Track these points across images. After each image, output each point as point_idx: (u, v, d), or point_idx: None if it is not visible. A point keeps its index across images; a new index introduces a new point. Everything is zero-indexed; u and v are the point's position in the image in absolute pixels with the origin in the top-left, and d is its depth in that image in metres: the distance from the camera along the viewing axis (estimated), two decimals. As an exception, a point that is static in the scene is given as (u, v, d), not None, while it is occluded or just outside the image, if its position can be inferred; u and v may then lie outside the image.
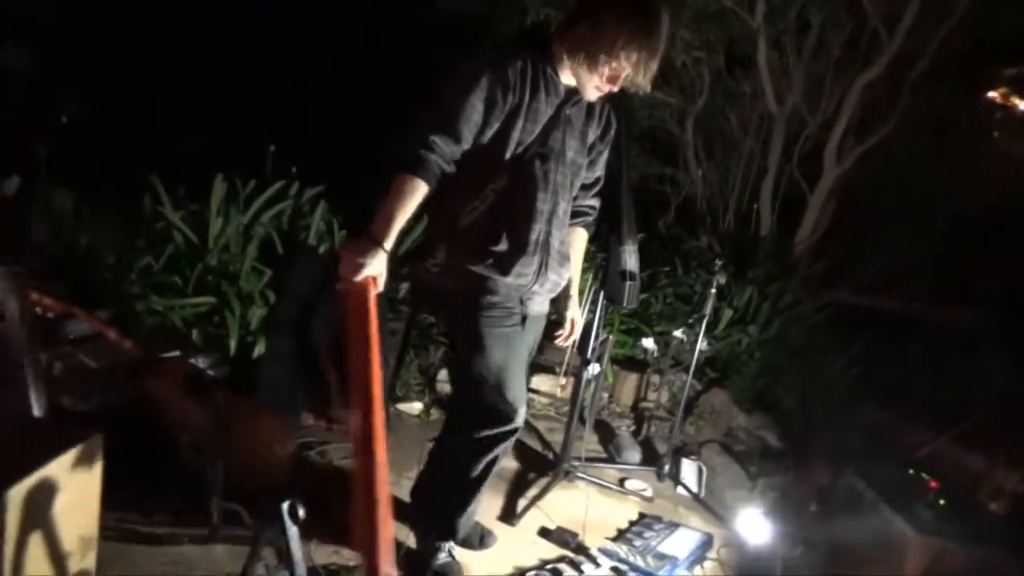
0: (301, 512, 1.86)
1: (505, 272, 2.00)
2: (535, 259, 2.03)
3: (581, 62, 1.89)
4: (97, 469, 1.90)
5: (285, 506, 1.85)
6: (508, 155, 1.97)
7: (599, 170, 2.21)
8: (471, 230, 1.99)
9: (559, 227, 2.08)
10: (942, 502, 2.50)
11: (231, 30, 5.85)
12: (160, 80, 5.31)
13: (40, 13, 4.94)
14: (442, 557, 2.23)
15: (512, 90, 1.90)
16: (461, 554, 2.32)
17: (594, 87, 1.94)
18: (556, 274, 2.13)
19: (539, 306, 2.20)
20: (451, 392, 2.43)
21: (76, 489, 1.83)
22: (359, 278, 1.72)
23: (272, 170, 4.05)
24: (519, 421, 2.06)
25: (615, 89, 1.95)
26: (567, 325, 2.36)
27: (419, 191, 1.82)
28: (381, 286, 1.66)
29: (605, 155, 2.18)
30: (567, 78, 1.98)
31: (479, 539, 2.45)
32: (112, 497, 2.12)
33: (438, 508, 2.24)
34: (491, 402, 2.03)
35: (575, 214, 2.22)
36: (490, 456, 2.11)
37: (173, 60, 5.43)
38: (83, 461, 1.86)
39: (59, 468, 1.77)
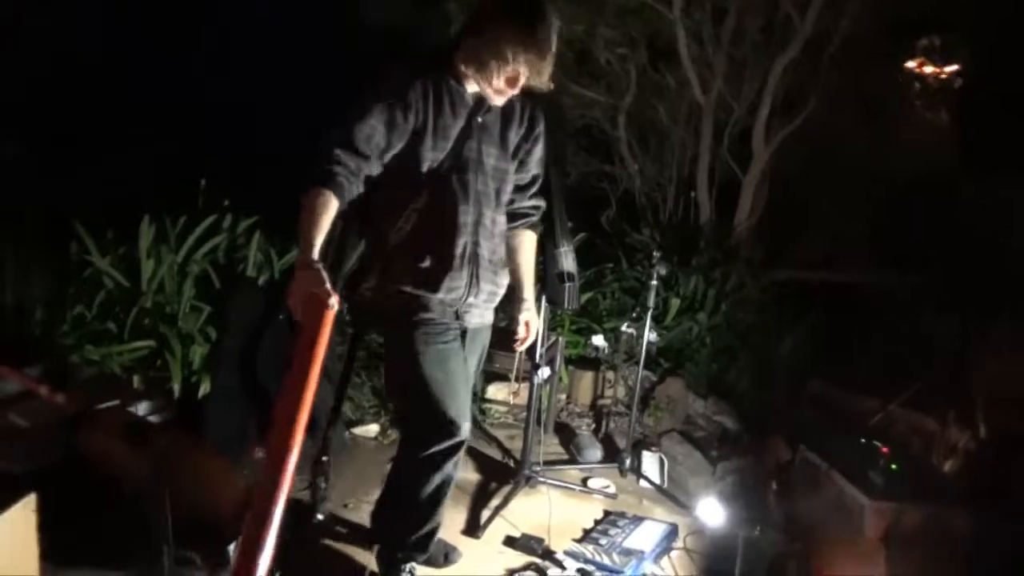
0: (250, 552, 1.82)
1: (435, 289, 2.00)
2: (464, 272, 2.03)
3: (477, 70, 1.91)
4: (31, 532, 1.82)
5: (232, 548, 1.81)
6: (424, 173, 1.97)
7: (533, 169, 2.19)
8: (398, 250, 2.00)
9: (487, 237, 2.08)
10: (893, 466, 2.55)
11: (150, 63, 5.73)
12: (78, 121, 5.16)
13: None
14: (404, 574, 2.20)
15: (414, 111, 1.92)
16: (426, 573, 2.29)
17: (495, 91, 1.95)
18: (491, 284, 2.13)
19: (478, 318, 2.19)
20: (394, 412, 2.40)
21: (11, 553, 1.76)
22: (294, 300, 1.68)
23: (205, 203, 3.97)
24: (462, 435, 2.05)
25: (515, 91, 1.96)
26: (520, 329, 2.32)
27: (330, 203, 1.81)
28: (334, 303, 1.61)
29: (537, 153, 2.17)
30: (472, 87, 1.99)
31: (443, 556, 2.42)
32: (56, 556, 2.05)
33: (398, 528, 2.21)
34: (431, 418, 2.01)
35: (517, 216, 2.22)
36: (442, 472, 2.09)
37: (90, 98, 5.29)
38: (15, 525, 1.79)
39: (-10, 535, 1.69)
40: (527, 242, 2.27)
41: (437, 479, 2.08)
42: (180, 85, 5.81)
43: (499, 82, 1.90)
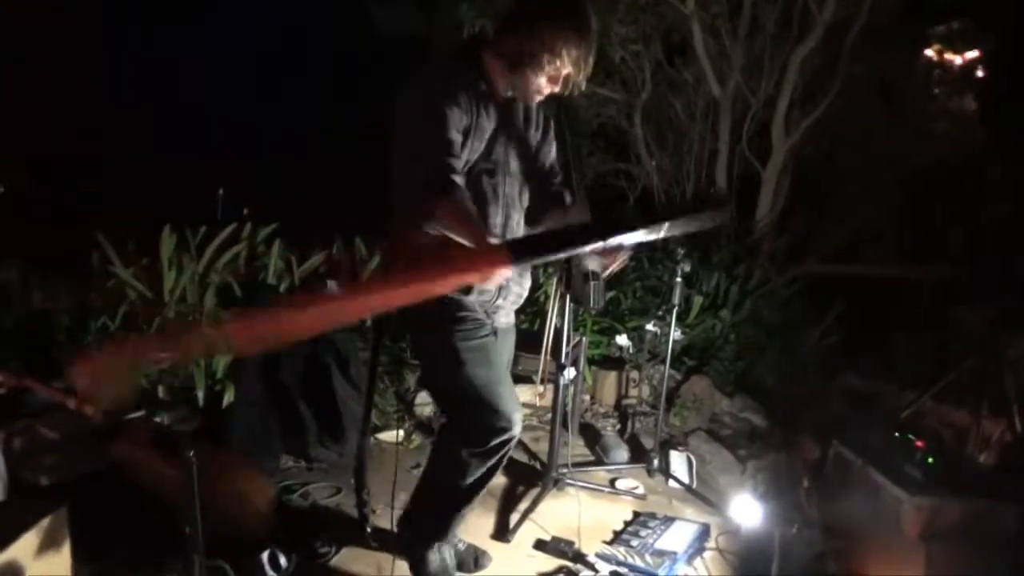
0: (283, 560, 1.81)
1: (467, 292, 2.00)
2: None
3: (524, 67, 1.87)
4: (64, 544, 1.83)
5: (265, 556, 1.80)
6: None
7: (551, 155, 2.16)
8: (427, 252, 1.96)
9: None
10: (930, 460, 2.49)
11: (166, 77, 5.77)
12: (98, 134, 5.20)
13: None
14: (435, 559, 2.17)
15: (462, 111, 1.89)
16: (457, 580, 2.27)
17: (535, 90, 1.93)
18: (518, 286, 2.14)
19: (506, 318, 2.20)
20: (441, 416, 2.37)
21: (43, 568, 1.75)
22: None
23: (223, 213, 3.99)
24: (517, 429, 2.02)
25: (557, 90, 1.94)
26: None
27: (462, 198, 1.81)
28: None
29: (552, 145, 2.16)
30: (502, 88, 1.96)
31: (474, 561, 2.39)
32: (89, 567, 2.05)
33: (433, 517, 2.18)
34: (485, 418, 1.98)
35: (553, 196, 2.14)
36: (490, 464, 2.07)
37: (110, 111, 5.34)
38: (49, 538, 1.79)
39: (23, 549, 1.70)
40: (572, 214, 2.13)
41: (484, 468, 2.06)
42: (196, 96, 5.86)
43: (541, 80, 1.88)
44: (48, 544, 1.79)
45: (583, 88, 1.94)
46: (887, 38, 5.85)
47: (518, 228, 2.09)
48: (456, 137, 1.86)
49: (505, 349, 2.23)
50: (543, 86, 1.91)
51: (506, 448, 2.06)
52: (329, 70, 6.34)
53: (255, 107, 5.93)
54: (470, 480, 2.07)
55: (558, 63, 1.84)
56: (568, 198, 2.17)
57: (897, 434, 2.72)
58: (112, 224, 3.63)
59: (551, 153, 2.16)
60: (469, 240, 1.72)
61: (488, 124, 1.95)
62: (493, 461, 2.06)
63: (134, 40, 5.86)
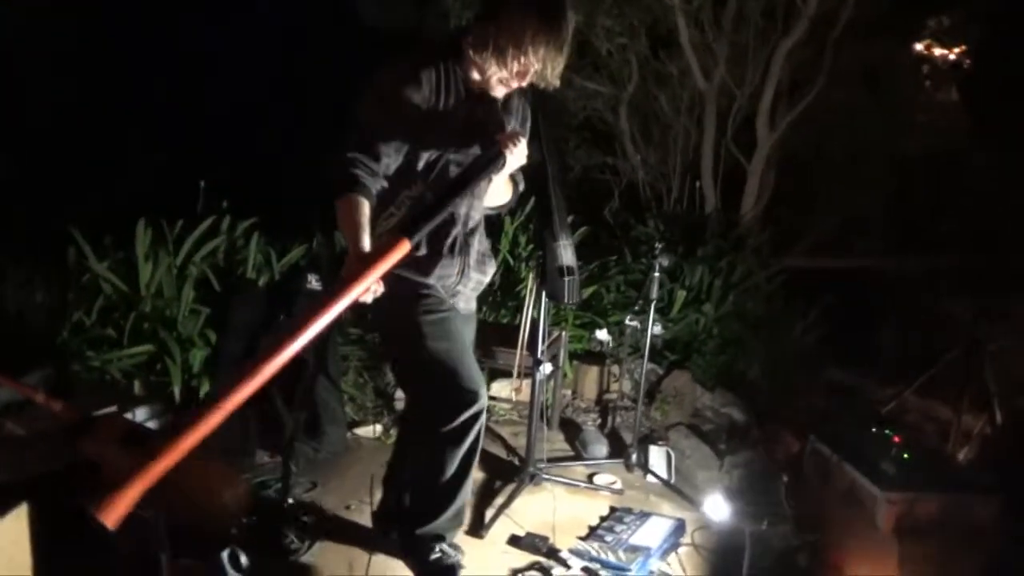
0: (243, 559, 1.79)
1: (426, 274, 2.01)
2: (455, 262, 2.05)
3: (489, 57, 1.86)
4: (24, 542, 1.79)
5: (225, 554, 1.78)
6: (422, 162, 1.95)
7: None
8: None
9: (478, 228, 2.08)
10: (905, 455, 2.49)
11: (147, 67, 5.71)
12: (76, 128, 5.14)
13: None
14: (437, 553, 2.15)
15: (425, 99, 1.89)
16: None
17: (499, 81, 1.91)
18: (479, 273, 2.16)
19: (465, 304, 2.20)
20: (406, 397, 2.36)
21: (3, 566, 1.73)
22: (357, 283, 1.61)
23: (204, 206, 3.94)
24: (483, 401, 2.02)
25: (523, 84, 1.93)
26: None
27: (360, 204, 1.80)
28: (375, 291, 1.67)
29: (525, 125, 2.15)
30: (476, 75, 1.94)
31: (446, 557, 2.37)
32: (52, 564, 2.02)
33: (427, 510, 2.16)
34: (449, 389, 1.97)
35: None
36: (466, 444, 2.04)
37: (86, 103, 5.28)
38: (7, 536, 1.76)
39: (-21, 548, 1.67)
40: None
41: (461, 452, 2.04)
42: (177, 89, 5.80)
43: (507, 72, 1.86)
44: (7, 542, 1.76)
45: (556, 84, 1.92)
46: (874, 31, 5.84)
47: (482, 217, 2.10)
48: (384, 131, 1.85)
49: (467, 332, 2.21)
50: (509, 79, 1.89)
51: (477, 424, 2.03)
52: (312, 62, 6.29)
53: (235, 100, 5.87)
54: (449, 469, 2.05)
55: (522, 59, 1.82)
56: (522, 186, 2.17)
57: (874, 429, 2.72)
58: (88, 218, 3.58)
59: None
60: (348, 243, 1.75)
61: (457, 112, 1.93)
62: (468, 442, 2.04)
63: (115, 34, 5.80)
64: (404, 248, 1.62)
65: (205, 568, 1.92)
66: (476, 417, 2.02)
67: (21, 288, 3.48)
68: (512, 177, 2.15)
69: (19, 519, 1.80)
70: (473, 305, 2.25)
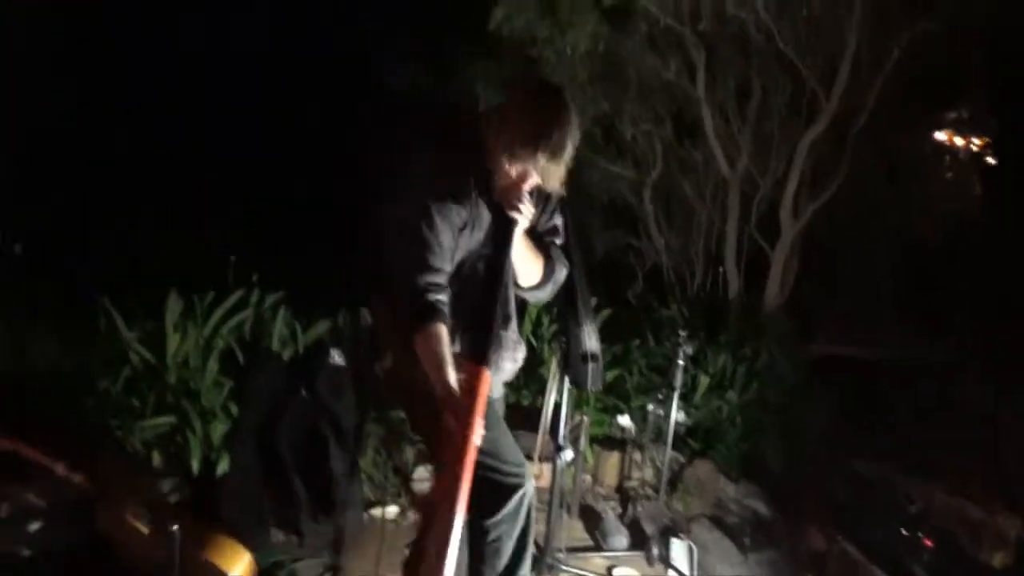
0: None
1: (458, 370, 1.96)
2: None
3: (493, 160, 1.88)
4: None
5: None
6: (456, 262, 1.95)
7: (552, 220, 2.14)
8: None
9: (510, 316, 2.05)
10: (938, 561, 2.41)
11: (178, 141, 5.91)
12: (112, 198, 5.31)
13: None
14: None
15: (465, 206, 1.91)
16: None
17: (503, 183, 1.91)
18: (511, 362, 2.12)
19: (495, 391, 2.17)
20: None
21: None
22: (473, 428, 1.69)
23: (234, 278, 4.01)
24: (527, 482, 2.01)
25: (526, 187, 1.90)
26: None
27: (442, 334, 1.82)
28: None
29: (555, 220, 2.14)
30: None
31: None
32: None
33: None
34: (493, 479, 1.96)
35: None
36: (519, 525, 2.05)
37: (126, 176, 5.46)
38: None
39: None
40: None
41: (515, 535, 2.03)
42: (208, 164, 5.98)
43: (507, 179, 1.87)
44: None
45: (560, 193, 1.95)
46: (895, 122, 5.93)
47: (513, 307, 2.07)
48: (444, 245, 1.87)
49: (499, 413, 2.20)
50: (510, 182, 1.88)
51: (525, 506, 2.02)
52: (341, 136, 6.48)
53: (266, 175, 6.05)
54: (506, 556, 2.03)
55: (519, 165, 1.83)
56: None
57: (904, 531, 2.65)
58: (119, 287, 3.65)
59: (554, 219, 2.14)
60: (434, 381, 1.78)
61: (488, 212, 1.94)
62: (519, 527, 2.02)
63: (152, 101, 6.03)
64: (488, 379, 1.67)
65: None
66: (522, 500, 2.01)
67: (47, 352, 3.53)
68: (547, 255, 2.09)
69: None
70: (501, 391, 2.25)
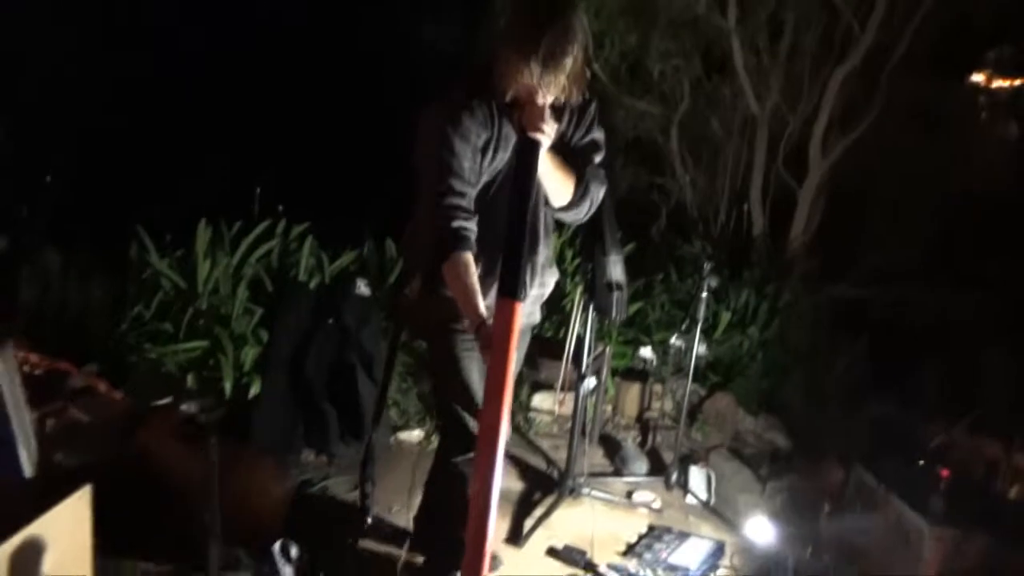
0: (294, 551, 1.84)
1: (484, 295, 1.93)
2: None
3: (501, 78, 1.81)
4: (86, 522, 1.88)
5: (277, 546, 1.83)
6: (482, 183, 1.94)
7: (590, 135, 2.05)
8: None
9: (539, 241, 2.04)
10: (955, 491, 2.44)
11: (208, 74, 5.90)
12: (140, 131, 5.34)
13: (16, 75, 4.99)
14: None
15: (485, 125, 1.88)
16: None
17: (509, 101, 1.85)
18: (539, 287, 2.11)
19: (527, 317, 2.16)
20: (438, 418, 2.40)
21: (66, 544, 1.80)
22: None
23: (259, 210, 4.05)
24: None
25: (540, 103, 1.80)
26: None
27: (471, 263, 1.83)
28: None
29: (591, 133, 2.05)
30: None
31: (486, 563, 2.40)
32: (108, 548, 2.10)
33: (440, 537, 2.19)
34: (466, 426, 2.00)
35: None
36: None
37: (152, 109, 5.48)
38: (72, 516, 1.84)
39: (46, 525, 1.74)
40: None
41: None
42: (236, 97, 5.97)
43: (520, 97, 1.80)
44: (71, 522, 1.84)
45: (578, 100, 1.87)
46: (932, 60, 5.76)
47: (545, 230, 2.06)
48: (468, 171, 1.85)
49: (519, 346, 2.21)
50: (520, 98, 1.82)
51: None
52: (369, 73, 6.43)
53: (295, 108, 6.03)
54: (460, 500, 2.00)
55: (520, 78, 1.74)
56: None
57: (922, 462, 2.68)
58: (150, 216, 3.72)
59: (584, 134, 2.04)
60: (464, 311, 1.81)
61: (515, 132, 1.89)
62: None
63: (182, 40, 6.01)
64: (519, 310, 1.67)
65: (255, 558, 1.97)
66: None
67: (84, 280, 3.62)
68: (580, 173, 1.99)
69: (83, 499, 1.88)
70: (536, 317, 2.22)
